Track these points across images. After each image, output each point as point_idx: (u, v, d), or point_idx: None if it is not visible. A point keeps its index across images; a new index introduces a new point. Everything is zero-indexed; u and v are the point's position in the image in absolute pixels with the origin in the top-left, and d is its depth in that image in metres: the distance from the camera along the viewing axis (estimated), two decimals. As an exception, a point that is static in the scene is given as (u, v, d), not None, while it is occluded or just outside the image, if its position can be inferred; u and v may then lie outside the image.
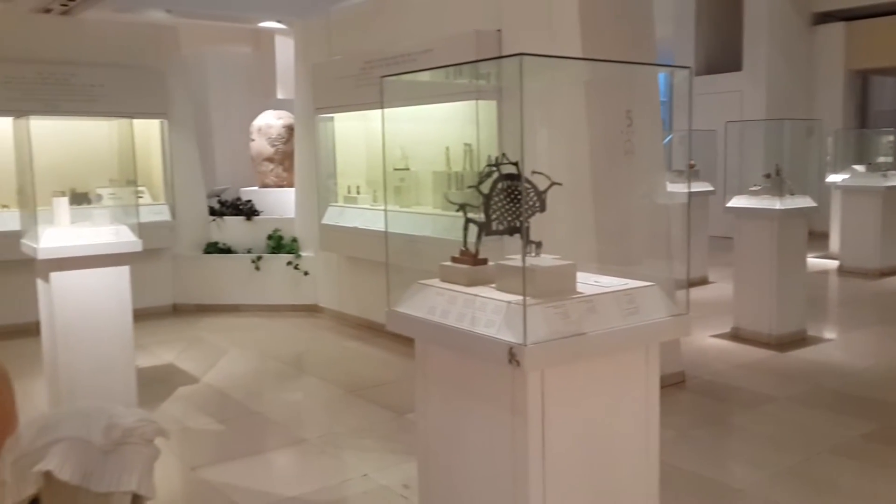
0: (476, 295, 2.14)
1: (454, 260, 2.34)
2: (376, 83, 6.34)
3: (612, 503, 2.15)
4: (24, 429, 1.56)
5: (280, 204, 7.88)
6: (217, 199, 8.07)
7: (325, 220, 6.83)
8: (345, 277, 6.98)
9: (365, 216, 6.46)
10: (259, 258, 7.35)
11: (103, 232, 4.12)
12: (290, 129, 8.00)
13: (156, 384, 4.95)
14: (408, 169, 6.45)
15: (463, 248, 2.33)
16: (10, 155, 5.97)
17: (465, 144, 5.88)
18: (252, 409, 4.67)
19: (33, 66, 6.47)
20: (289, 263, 7.33)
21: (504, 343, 1.92)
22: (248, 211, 7.74)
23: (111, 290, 4.10)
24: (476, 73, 5.34)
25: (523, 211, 2.11)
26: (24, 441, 1.73)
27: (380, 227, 6.23)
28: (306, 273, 7.30)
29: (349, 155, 6.98)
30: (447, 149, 6.00)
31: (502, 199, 2.16)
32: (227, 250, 7.53)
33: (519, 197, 2.14)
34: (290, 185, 7.91)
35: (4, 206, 6.36)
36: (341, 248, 6.81)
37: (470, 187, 2.23)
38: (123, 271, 4.15)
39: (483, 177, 2.18)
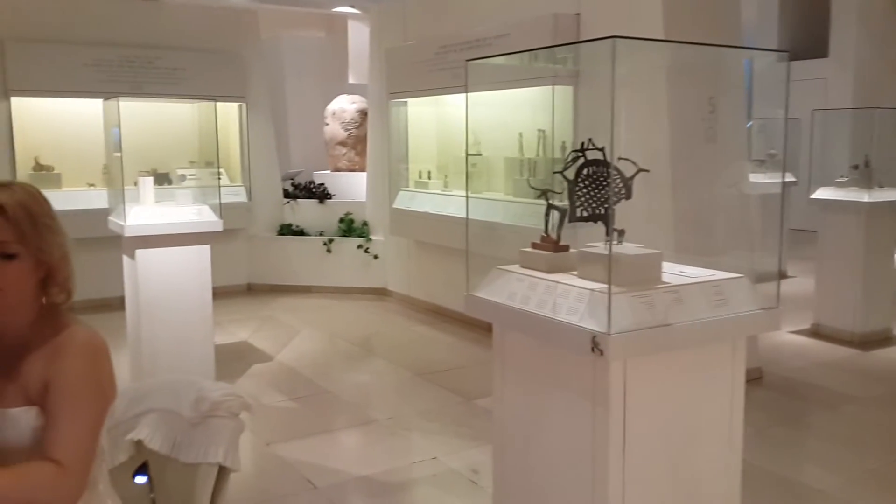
0: (558, 282, 2.11)
1: (534, 246, 2.31)
2: (450, 68, 6.36)
3: (692, 498, 2.11)
4: (116, 399, 1.62)
5: (352, 187, 7.97)
6: (291, 181, 8.22)
7: (395, 205, 6.87)
8: (414, 262, 7.02)
9: (435, 201, 6.47)
10: (330, 241, 7.46)
11: (186, 211, 4.25)
12: (363, 114, 8.07)
13: (232, 360, 5.09)
14: (480, 154, 6.42)
15: (544, 234, 2.30)
16: (96, 135, 6.23)
17: (539, 130, 5.82)
18: (323, 388, 4.75)
19: (119, 50, 6.69)
20: (359, 247, 7.41)
21: (587, 331, 1.89)
22: (320, 194, 7.85)
23: (193, 267, 4.22)
24: (553, 58, 5.27)
25: (610, 197, 2.06)
26: (117, 411, 1.79)
27: (450, 212, 6.25)
28: (376, 256, 7.38)
29: (421, 140, 7.00)
30: (520, 135, 5.96)
31: (587, 186, 2.12)
32: (300, 232, 7.67)
33: (604, 183, 2.09)
34: (362, 170, 7.99)
35: (91, 185, 6.62)
36: (411, 233, 6.85)
37: (555, 173, 2.19)
38: (204, 250, 4.27)
39: (568, 162, 2.14)
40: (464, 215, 6.22)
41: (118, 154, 4.45)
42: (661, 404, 2.01)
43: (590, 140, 2.13)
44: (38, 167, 6.44)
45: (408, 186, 6.95)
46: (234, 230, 7.17)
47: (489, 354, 5.50)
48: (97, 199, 6.01)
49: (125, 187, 4.49)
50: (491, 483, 3.33)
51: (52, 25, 6.51)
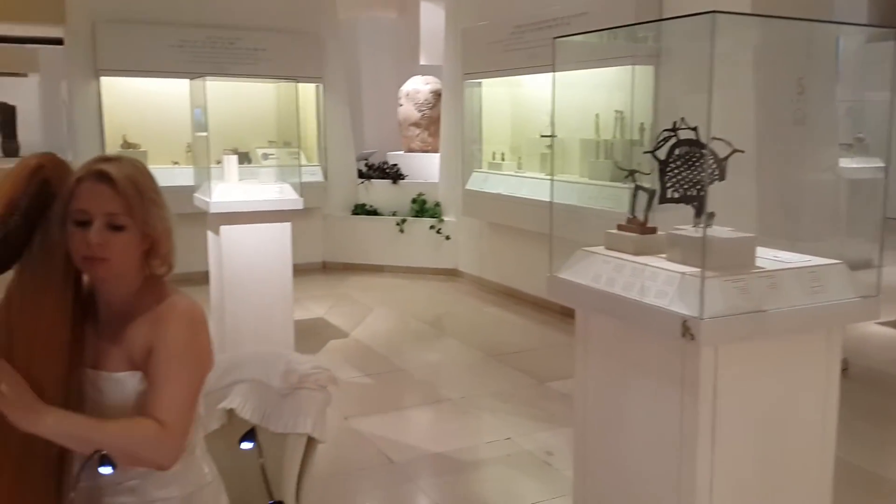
0: (646, 264, 2.07)
1: (620, 228, 2.28)
2: (526, 48, 6.29)
3: (782, 491, 2.05)
4: (210, 368, 1.67)
5: (425, 168, 8.00)
6: (365, 162, 8.30)
7: (468, 186, 6.87)
8: (486, 243, 7.02)
9: (509, 183, 6.44)
10: (403, 221, 7.52)
11: (269, 189, 4.35)
12: (437, 95, 8.08)
13: (309, 336, 5.20)
14: (555, 136, 6.35)
15: (631, 216, 2.27)
16: (180, 114, 6.41)
17: (616, 111, 5.71)
18: (396, 366, 4.81)
19: (203, 31, 6.86)
20: (431, 227, 7.45)
21: (678, 315, 1.85)
22: (394, 174, 7.92)
23: (274, 244, 4.32)
24: (634, 37, 5.13)
25: (703, 179, 2.01)
26: (210, 380, 1.85)
27: (524, 194, 6.21)
28: (448, 237, 7.40)
29: (494, 121, 6.97)
30: (597, 116, 5.86)
31: (679, 166, 2.07)
32: (374, 212, 7.76)
33: (697, 164, 2.04)
34: (435, 151, 8.01)
35: (175, 163, 6.84)
36: (484, 214, 6.85)
37: (645, 152, 2.15)
38: (286, 227, 4.36)
39: (660, 142, 2.09)
40: (538, 197, 6.20)
41: (202, 133, 4.58)
42: (753, 393, 1.96)
43: (682, 119, 2.08)
44: (126, 145, 6.68)
45: (481, 168, 6.94)
46: (311, 209, 7.29)
47: (561, 337, 5.50)
48: (181, 176, 6.20)
49: (207, 165, 4.62)
50: (566, 466, 3.34)
51: (140, 7, 6.72)
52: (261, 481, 1.94)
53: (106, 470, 1.04)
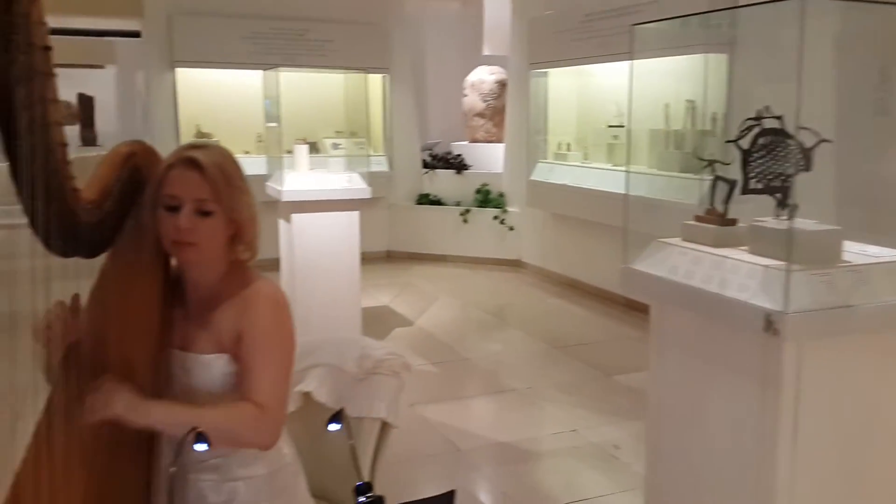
0: (726, 256, 2.02)
1: (698, 219, 2.23)
2: (596, 37, 6.19)
3: (868, 498, 1.98)
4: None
5: (489, 159, 7.98)
6: (429, 152, 8.33)
7: (533, 177, 6.83)
8: (550, 234, 6.97)
9: (575, 174, 6.38)
10: (467, 211, 7.53)
11: (338, 179, 4.41)
12: (501, 85, 8.04)
13: (375, 323, 5.26)
14: (622, 126, 6.26)
15: (710, 207, 2.22)
16: (250, 105, 6.56)
17: (688, 101, 5.58)
18: (461, 355, 4.83)
19: (273, 23, 6.98)
20: (495, 218, 7.44)
21: (761, 309, 1.80)
22: (458, 165, 7.92)
23: (343, 232, 4.38)
24: (707, 24, 4.99)
25: (789, 169, 1.95)
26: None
27: (590, 185, 6.13)
28: (511, 228, 7.38)
29: (560, 111, 6.90)
30: (667, 106, 5.74)
31: (762, 156, 2.02)
32: (438, 202, 7.78)
33: (782, 154, 1.98)
34: (500, 141, 7.98)
35: (246, 152, 6.98)
36: (549, 205, 6.80)
37: (727, 142, 2.09)
38: (354, 216, 4.42)
39: (743, 131, 2.04)
40: (604, 188, 6.10)
41: (272, 124, 4.67)
42: (838, 392, 1.90)
43: (766, 108, 2.02)
44: (199, 134, 6.86)
45: (546, 158, 6.88)
46: (376, 199, 7.34)
47: (627, 330, 5.43)
48: (252, 165, 6.32)
49: (279, 155, 4.71)
50: (634, 460, 3.31)
51: (214, 0, 6.87)
52: (342, 463, 1.97)
53: (201, 447, 1.08)
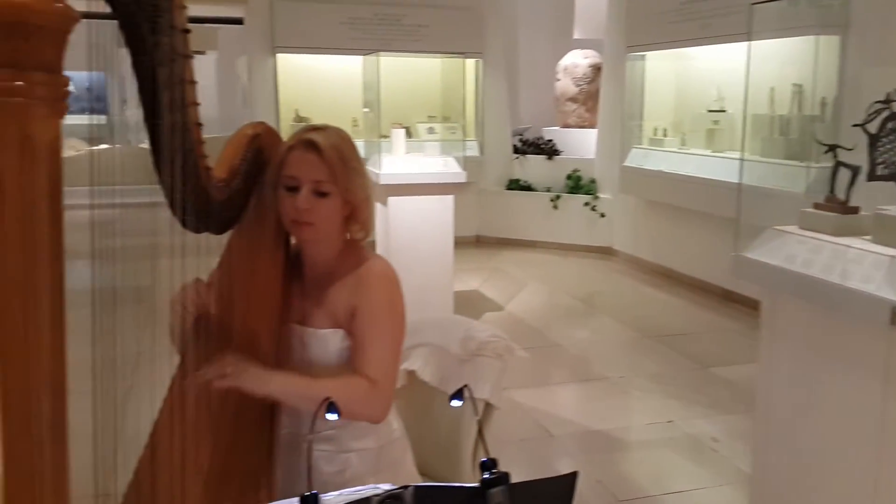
0: (848, 246, 1.93)
1: (817, 207, 2.14)
2: (697, 18, 5.99)
3: None
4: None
5: (580, 144, 7.87)
6: (519, 137, 8.28)
7: (627, 163, 6.70)
8: (643, 221, 6.83)
9: (671, 160, 6.21)
10: (557, 197, 7.46)
11: (434, 162, 4.44)
12: (595, 69, 7.90)
13: (466, 307, 5.29)
14: (724, 111, 6.05)
15: (829, 194, 2.12)
16: (346, 89, 6.65)
17: (794, 85, 5.34)
18: (552, 341, 4.81)
19: (371, 8, 7.08)
20: (586, 204, 7.34)
21: (887, 302, 1.72)
22: (549, 150, 7.85)
23: (437, 216, 4.42)
24: (818, 4, 4.77)
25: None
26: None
27: (688, 171, 5.97)
28: (603, 215, 7.26)
29: (657, 95, 6.73)
30: (772, 89, 5.51)
31: (892, 141, 1.91)
32: (528, 188, 7.74)
33: (914, 139, 1.87)
34: (592, 126, 7.85)
35: (340, 137, 7.13)
36: (643, 192, 6.65)
37: (854, 125, 2.00)
38: (448, 200, 4.45)
39: (871, 115, 1.94)
40: (702, 175, 5.91)
41: (366, 110, 4.73)
42: (970, 389, 1.79)
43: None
44: (298, 119, 7.04)
45: (641, 144, 6.73)
46: (466, 183, 7.37)
47: (724, 321, 5.27)
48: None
49: (376, 139, 4.78)
50: (733, 454, 3.22)
51: (315, -15, 7.02)
52: (445, 441, 2.02)
53: (332, 416, 1.11)
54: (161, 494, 1.41)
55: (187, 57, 1.32)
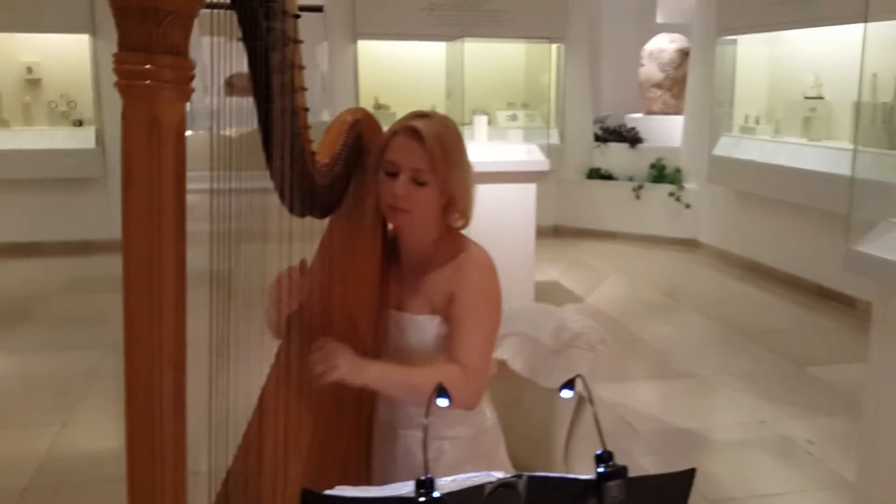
0: (977, 242, 1.81)
1: (939, 199, 2.01)
2: (794, 0, 5.71)
3: None
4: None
5: (665, 132, 7.66)
6: (600, 125, 8.13)
7: (716, 151, 6.48)
8: (732, 213, 6.60)
9: (765, 148, 5.98)
10: (640, 187, 7.28)
11: (517, 150, 4.39)
12: (682, 54, 7.67)
13: (545, 298, 5.23)
14: (821, 98, 5.78)
15: (954, 187, 1.98)
16: (426, 76, 6.62)
17: (901, 70, 5.05)
18: (635, 335, 4.70)
19: (451, -7, 7.04)
20: (670, 194, 7.14)
21: None
22: (631, 138, 7.67)
23: (519, 205, 4.38)
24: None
25: None
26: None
27: (782, 161, 5.72)
28: (688, 206, 7.06)
29: (749, 81, 6.48)
30: (874, 76, 5.23)
31: None
32: (609, 177, 7.59)
33: None
34: (678, 113, 7.63)
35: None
36: (732, 182, 6.43)
37: None
38: (531, 189, 4.40)
39: None
40: (799, 165, 5.66)
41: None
42: None
43: None
44: (378, 106, 7.08)
45: (731, 132, 6.50)
46: (546, 172, 7.29)
47: (819, 319, 5.06)
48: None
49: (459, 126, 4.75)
50: (831, 457, 3.08)
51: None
52: (535, 432, 1.99)
53: (443, 402, 1.10)
54: (265, 475, 1.44)
55: (297, 42, 1.32)
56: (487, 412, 1.77)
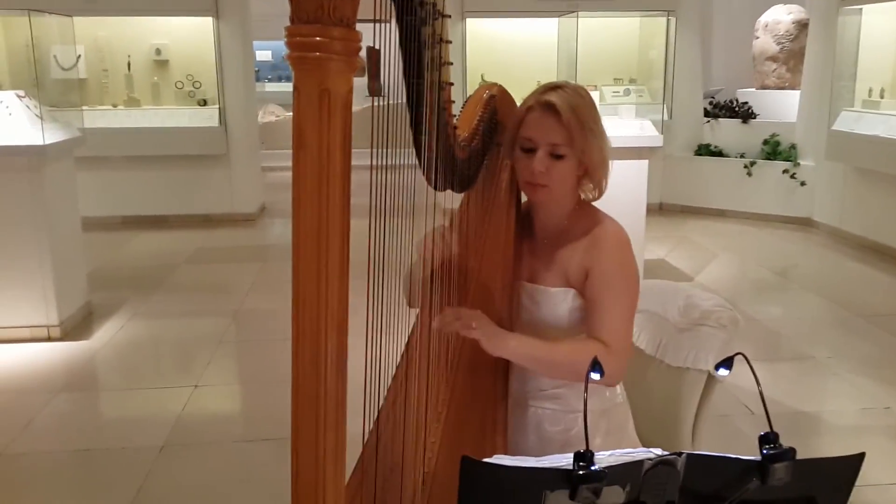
0: None
1: None
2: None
3: None
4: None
5: (779, 107, 7.33)
6: (710, 100, 7.85)
7: (836, 126, 6.15)
8: (851, 191, 6.27)
9: (890, 123, 5.63)
10: (752, 164, 7.01)
11: (630, 125, 4.30)
12: (800, 26, 7.30)
13: (653, 276, 5.15)
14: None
15: None
16: (528, 53, 6.54)
17: None
18: (749, 315, 4.55)
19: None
20: (785, 171, 6.85)
21: None
22: (744, 113, 7.37)
23: (631, 181, 4.30)
24: None
25: None
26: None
27: (910, 136, 5.39)
28: (803, 183, 6.75)
29: (874, 53, 6.10)
30: None
31: None
32: (719, 153, 7.33)
33: None
34: (793, 87, 7.29)
35: (524, 100, 7.08)
36: (853, 159, 6.10)
37: None
38: (643, 165, 4.31)
39: None
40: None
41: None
42: None
43: None
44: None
45: (853, 106, 6.15)
46: (651, 148, 7.11)
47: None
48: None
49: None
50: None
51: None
52: (660, 410, 1.97)
53: (596, 375, 1.11)
54: (405, 442, 1.49)
55: (445, 17, 1.34)
56: (618, 388, 1.78)
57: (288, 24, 0.97)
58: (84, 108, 6.80)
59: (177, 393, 3.48)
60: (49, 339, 4.10)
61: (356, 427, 1.43)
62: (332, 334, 1.16)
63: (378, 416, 1.58)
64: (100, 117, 6.77)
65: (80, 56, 6.79)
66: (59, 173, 4.26)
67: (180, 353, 4.09)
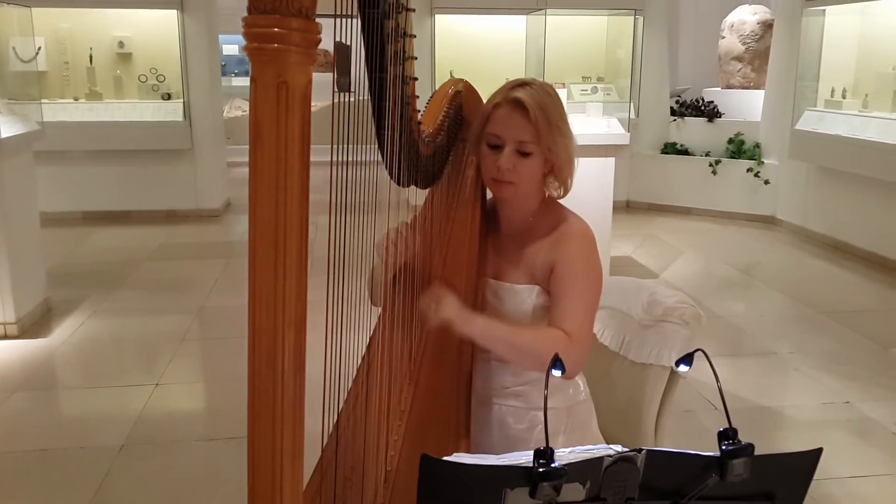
0: None
1: None
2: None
3: None
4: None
5: (744, 106, 7.44)
6: (676, 99, 7.93)
7: (799, 126, 6.25)
8: (814, 190, 6.38)
9: (852, 123, 5.74)
10: (717, 162, 7.10)
11: (597, 123, 4.32)
12: (765, 26, 7.40)
13: (618, 273, 5.19)
14: (915, 69, 5.51)
15: None
16: (497, 50, 6.54)
17: None
18: (713, 312, 4.61)
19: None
20: (749, 170, 6.94)
21: None
22: (709, 112, 7.46)
23: (597, 179, 4.32)
24: None
25: None
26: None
27: (870, 136, 5.49)
28: (767, 182, 6.85)
29: (836, 54, 6.22)
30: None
31: None
32: (685, 152, 7.41)
33: None
34: (758, 87, 7.40)
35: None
36: (816, 158, 6.20)
37: None
38: (609, 163, 4.33)
39: None
40: (888, 140, 5.43)
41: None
42: None
43: None
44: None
45: (815, 106, 6.26)
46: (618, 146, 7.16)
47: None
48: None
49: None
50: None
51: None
52: (622, 406, 1.98)
53: (557, 372, 1.10)
54: (367, 435, 1.47)
55: (409, 10, 1.33)
56: (581, 385, 1.78)
57: (250, 15, 0.95)
58: (44, 101, 6.65)
59: (138, 391, 3.42)
60: (6, 336, 4.01)
61: (316, 426, 1.41)
62: (290, 331, 1.14)
63: (339, 414, 1.56)
64: (60, 111, 6.63)
65: (40, 48, 6.63)
66: (17, 167, 4.16)
67: (142, 350, 4.02)
